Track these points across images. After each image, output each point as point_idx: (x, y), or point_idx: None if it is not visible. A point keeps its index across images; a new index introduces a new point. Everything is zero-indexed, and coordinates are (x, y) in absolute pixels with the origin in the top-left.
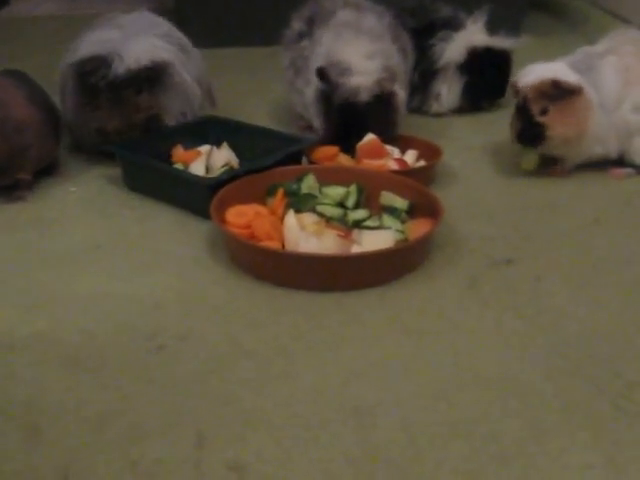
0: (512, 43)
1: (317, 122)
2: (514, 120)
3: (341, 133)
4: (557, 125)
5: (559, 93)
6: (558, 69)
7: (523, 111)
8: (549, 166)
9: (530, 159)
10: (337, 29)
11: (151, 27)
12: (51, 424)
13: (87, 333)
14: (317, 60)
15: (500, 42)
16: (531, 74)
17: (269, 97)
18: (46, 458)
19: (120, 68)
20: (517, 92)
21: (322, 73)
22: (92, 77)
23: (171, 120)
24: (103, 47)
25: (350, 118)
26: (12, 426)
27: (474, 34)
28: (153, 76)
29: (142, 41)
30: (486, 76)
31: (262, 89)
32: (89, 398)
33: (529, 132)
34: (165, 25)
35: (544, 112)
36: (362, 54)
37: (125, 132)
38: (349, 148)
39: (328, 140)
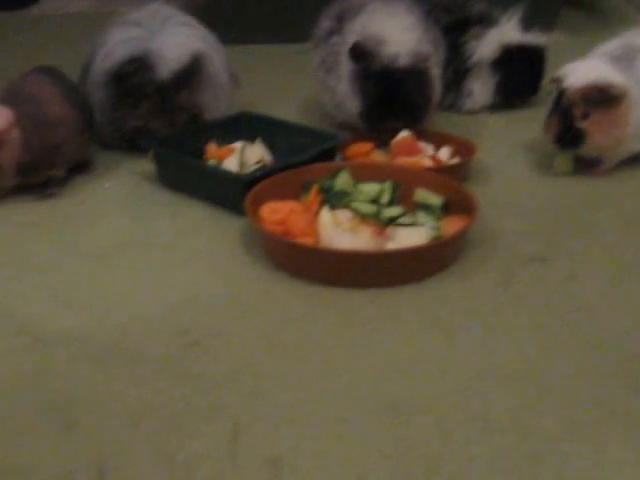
0: (545, 40)
1: (353, 104)
2: (553, 120)
3: (379, 104)
4: (596, 133)
5: (603, 99)
6: (603, 70)
7: (565, 114)
8: (588, 165)
9: (565, 160)
10: (369, 12)
11: (169, 18)
12: (87, 419)
13: (121, 329)
14: (349, 45)
15: (533, 39)
16: (575, 74)
17: (301, 95)
18: (82, 452)
19: (165, 70)
20: (561, 92)
21: (357, 48)
22: (131, 79)
23: (209, 115)
24: (134, 46)
25: (389, 86)
26: (48, 421)
27: (507, 31)
28: (192, 73)
29: (174, 33)
30: (519, 73)
31: (293, 86)
32: (124, 393)
33: (568, 136)
34: (180, 14)
35: (585, 116)
36: (397, 28)
37: (165, 130)
38: (387, 125)
39: (366, 115)
